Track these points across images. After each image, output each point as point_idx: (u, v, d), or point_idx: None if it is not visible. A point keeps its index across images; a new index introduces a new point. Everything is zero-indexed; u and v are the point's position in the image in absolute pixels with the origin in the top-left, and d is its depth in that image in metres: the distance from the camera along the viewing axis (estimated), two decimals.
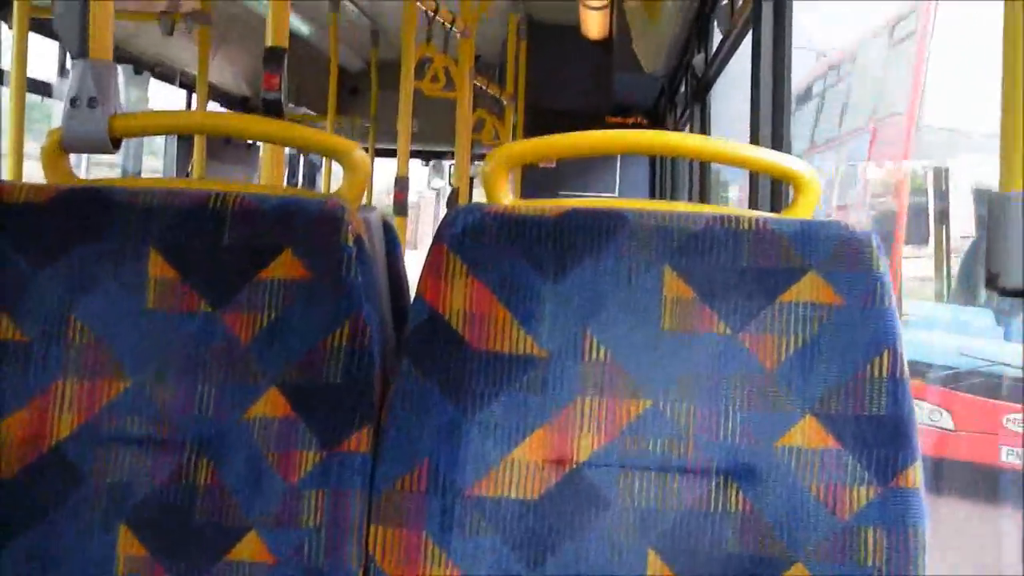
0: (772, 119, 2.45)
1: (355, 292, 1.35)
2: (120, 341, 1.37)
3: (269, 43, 2.33)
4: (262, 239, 1.37)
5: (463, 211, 1.36)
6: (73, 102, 1.48)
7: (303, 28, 6.55)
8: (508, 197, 1.43)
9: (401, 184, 3.85)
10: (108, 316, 1.37)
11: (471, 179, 5.51)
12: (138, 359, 1.36)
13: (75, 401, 1.35)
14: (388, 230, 1.55)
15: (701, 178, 4.47)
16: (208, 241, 1.37)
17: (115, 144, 1.49)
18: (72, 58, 1.51)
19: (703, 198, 4.46)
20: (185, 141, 6.10)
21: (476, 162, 6.20)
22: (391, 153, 5.29)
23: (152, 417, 1.35)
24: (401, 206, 3.81)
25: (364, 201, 1.51)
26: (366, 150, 7.04)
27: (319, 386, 1.33)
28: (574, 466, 1.30)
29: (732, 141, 1.49)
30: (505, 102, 6.51)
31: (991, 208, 0.73)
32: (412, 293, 1.40)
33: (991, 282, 0.72)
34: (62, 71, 4.92)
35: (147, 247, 1.38)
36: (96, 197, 1.40)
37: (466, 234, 1.34)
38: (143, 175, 5.64)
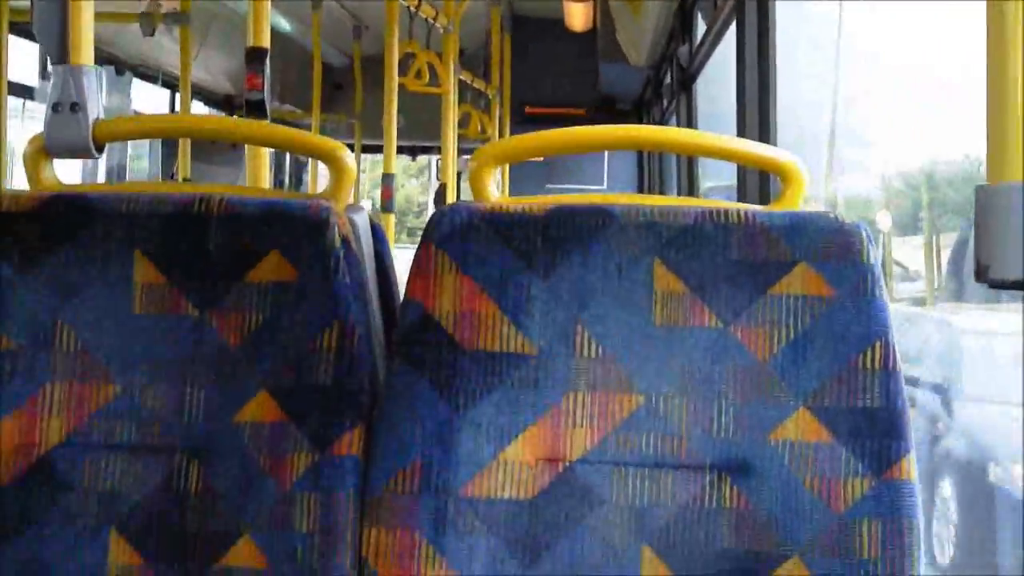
0: (759, 111, 2.43)
1: (344, 294, 1.34)
2: (108, 346, 1.36)
3: (250, 43, 2.31)
4: (248, 242, 1.36)
5: (450, 210, 1.35)
6: (55, 108, 1.46)
7: (285, 25, 6.52)
8: (494, 195, 1.42)
9: (387, 181, 3.84)
10: (95, 321, 1.36)
11: (458, 174, 5.50)
12: (126, 364, 1.35)
13: (64, 407, 1.35)
14: (376, 230, 1.55)
15: (689, 171, 4.46)
16: (194, 245, 1.37)
17: (99, 149, 1.48)
18: (52, 63, 1.49)
19: (691, 191, 4.46)
20: (170, 142, 6.07)
21: (463, 156, 6.18)
22: (378, 149, 5.26)
23: (141, 422, 1.34)
24: (388, 203, 3.80)
25: (352, 198, 1.50)
26: (352, 147, 7.06)
27: (309, 388, 1.32)
28: (567, 464, 1.29)
29: (717, 134, 1.48)
30: (491, 96, 6.49)
31: (979, 199, 0.72)
32: (402, 291, 1.40)
33: (981, 274, 0.71)
34: (43, 74, 4.89)
35: (132, 252, 1.37)
36: (80, 204, 1.39)
37: (454, 233, 1.33)
38: (128, 175, 5.61)
